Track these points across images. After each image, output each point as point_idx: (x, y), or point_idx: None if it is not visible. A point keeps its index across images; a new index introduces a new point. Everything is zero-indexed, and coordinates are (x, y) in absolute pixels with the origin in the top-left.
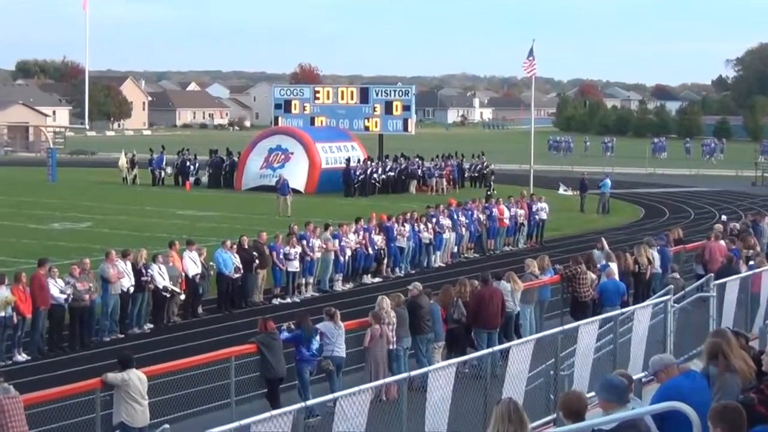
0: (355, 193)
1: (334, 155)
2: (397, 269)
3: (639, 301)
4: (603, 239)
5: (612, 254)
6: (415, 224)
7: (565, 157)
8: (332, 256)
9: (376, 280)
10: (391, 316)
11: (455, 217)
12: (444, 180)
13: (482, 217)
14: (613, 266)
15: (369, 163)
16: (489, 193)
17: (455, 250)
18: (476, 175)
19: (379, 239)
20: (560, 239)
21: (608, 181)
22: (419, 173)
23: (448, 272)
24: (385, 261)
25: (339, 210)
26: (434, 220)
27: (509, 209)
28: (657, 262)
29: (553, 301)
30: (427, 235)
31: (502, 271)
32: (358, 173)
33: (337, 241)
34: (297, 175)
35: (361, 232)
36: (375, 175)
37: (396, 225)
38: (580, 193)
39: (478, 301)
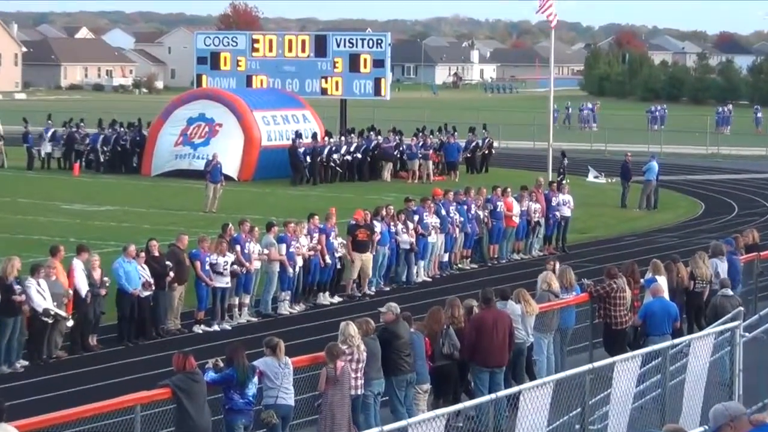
0: (309, 181)
1: (279, 128)
2: (366, 285)
3: (696, 329)
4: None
5: (660, 265)
6: (391, 223)
7: (596, 132)
8: (276, 268)
9: (337, 299)
10: (360, 350)
11: (445, 213)
12: (430, 163)
13: (483, 213)
14: (662, 281)
15: (327, 139)
16: (561, 179)
17: (445, 258)
18: (472, 155)
19: (340, 243)
20: (590, 244)
21: (655, 165)
22: (396, 154)
23: (436, 289)
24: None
25: (286, 204)
26: (416, 217)
27: (519, 203)
28: (723, 276)
29: (580, 328)
30: (406, 239)
31: (509, 288)
32: (311, 153)
33: (283, 246)
34: (227, 156)
35: (316, 235)
36: (335, 156)
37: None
38: (621, 182)
39: (478, 329)
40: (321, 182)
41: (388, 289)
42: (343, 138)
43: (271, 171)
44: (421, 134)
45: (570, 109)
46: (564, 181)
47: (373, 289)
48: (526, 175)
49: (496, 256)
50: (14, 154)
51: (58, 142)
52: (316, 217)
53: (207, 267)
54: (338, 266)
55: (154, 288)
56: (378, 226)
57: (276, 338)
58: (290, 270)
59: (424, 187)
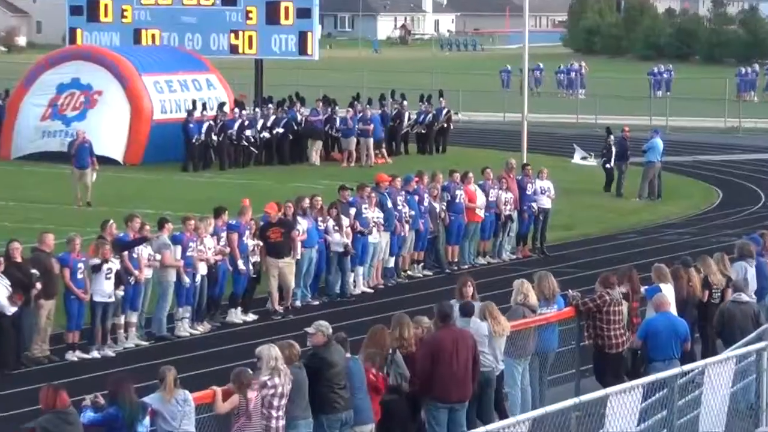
0: (207, 165)
1: (177, 97)
2: (289, 299)
3: (712, 351)
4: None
5: (665, 270)
6: (320, 219)
7: (584, 100)
8: (173, 277)
9: (251, 317)
10: (283, 381)
11: (391, 205)
12: (371, 140)
13: (438, 205)
14: (668, 291)
15: (238, 111)
16: (605, 163)
17: (391, 263)
18: (427, 131)
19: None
20: (576, 244)
21: (658, 142)
22: (327, 129)
23: (379, 303)
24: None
25: (185, 194)
26: (353, 211)
27: (485, 192)
28: (752, 284)
29: (564, 352)
30: (339, 239)
31: (473, 302)
32: (218, 129)
33: (179, 249)
34: (109, 133)
35: (225, 234)
36: (248, 133)
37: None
38: (616, 164)
39: (433, 354)
40: (231, 166)
41: (317, 303)
42: (258, 110)
43: (166, 152)
44: (358, 104)
45: (541, 72)
46: (608, 164)
47: (298, 303)
48: (493, 156)
49: (455, 260)
50: None
51: None
52: (225, 212)
53: (80, 275)
54: (253, 275)
55: (20, 303)
56: (302, 223)
57: (172, 368)
58: (186, 279)
59: (363, 172)
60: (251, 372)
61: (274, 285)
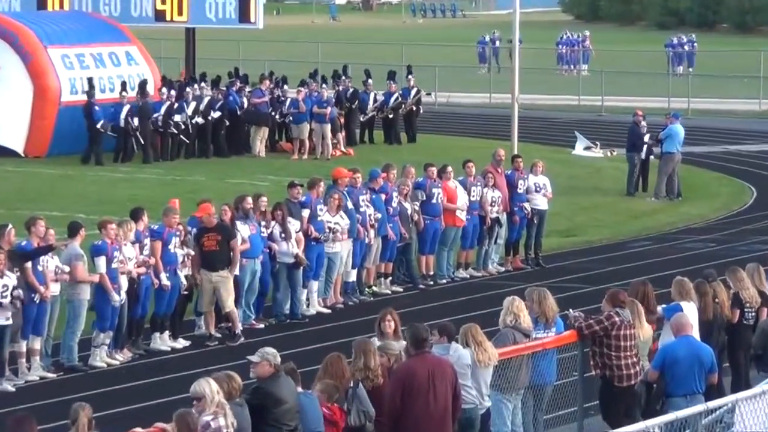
0: (127, 157)
1: (90, 74)
2: (231, 321)
3: (745, 384)
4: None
5: (688, 285)
6: (265, 224)
7: (587, 77)
8: (86, 294)
9: (181, 343)
10: (229, 417)
11: (353, 207)
12: (328, 127)
13: (410, 207)
14: (690, 310)
15: (165, 92)
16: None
17: (353, 277)
18: (395, 116)
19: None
20: (578, 253)
21: (678, 129)
22: (274, 114)
23: (338, 326)
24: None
25: (100, 192)
26: (306, 213)
27: (467, 189)
28: None
29: (564, 385)
30: (288, 248)
31: (453, 324)
32: (139, 113)
33: (103, 260)
34: (7, 119)
35: (148, 241)
36: (178, 118)
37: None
38: (627, 156)
39: (405, 388)
40: (156, 159)
41: (261, 326)
42: (189, 89)
43: (76, 142)
44: (313, 83)
45: (519, 42)
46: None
47: (240, 327)
48: (477, 145)
49: (431, 273)
50: None
51: None
52: (143, 216)
53: None
54: (184, 291)
55: None
56: (243, 229)
57: (86, 405)
58: (117, 297)
59: (318, 166)
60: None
61: (209, 303)
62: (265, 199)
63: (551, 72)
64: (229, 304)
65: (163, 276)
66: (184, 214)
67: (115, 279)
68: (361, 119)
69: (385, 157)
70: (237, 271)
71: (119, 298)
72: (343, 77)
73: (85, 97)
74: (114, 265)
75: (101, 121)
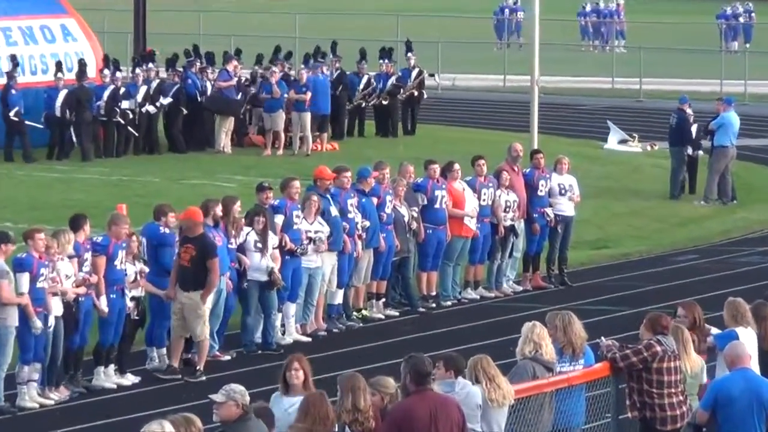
0: (63, 153)
1: (19, 52)
2: (205, 352)
3: None
4: None
5: (744, 308)
6: (234, 234)
7: (623, 55)
8: (13, 320)
9: (130, 380)
10: None
11: (338, 213)
12: (308, 116)
13: (407, 213)
14: (747, 338)
15: (108, 74)
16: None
17: (338, 299)
18: (390, 102)
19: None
20: (612, 269)
21: (732, 117)
22: (243, 100)
23: (320, 357)
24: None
25: (32, 196)
26: (280, 220)
27: (477, 192)
28: None
29: (593, 429)
30: (260, 262)
31: (460, 355)
32: (73, 100)
33: (26, 277)
34: None
35: (89, 256)
36: (125, 106)
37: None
38: (671, 150)
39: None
40: (100, 155)
41: (227, 358)
42: (139, 72)
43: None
44: (287, 63)
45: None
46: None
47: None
48: (490, 138)
49: (433, 293)
50: None
51: None
52: (85, 225)
53: None
54: (135, 316)
55: None
56: (215, 237)
57: None
58: (39, 324)
59: (297, 164)
60: None
61: (178, 327)
62: (238, 205)
63: (577, 49)
64: (199, 332)
65: (103, 299)
66: (135, 223)
67: (42, 301)
68: (348, 107)
69: (378, 153)
70: (209, 297)
71: (40, 325)
72: (332, 56)
73: (26, 80)
74: (41, 284)
75: (15, 108)
